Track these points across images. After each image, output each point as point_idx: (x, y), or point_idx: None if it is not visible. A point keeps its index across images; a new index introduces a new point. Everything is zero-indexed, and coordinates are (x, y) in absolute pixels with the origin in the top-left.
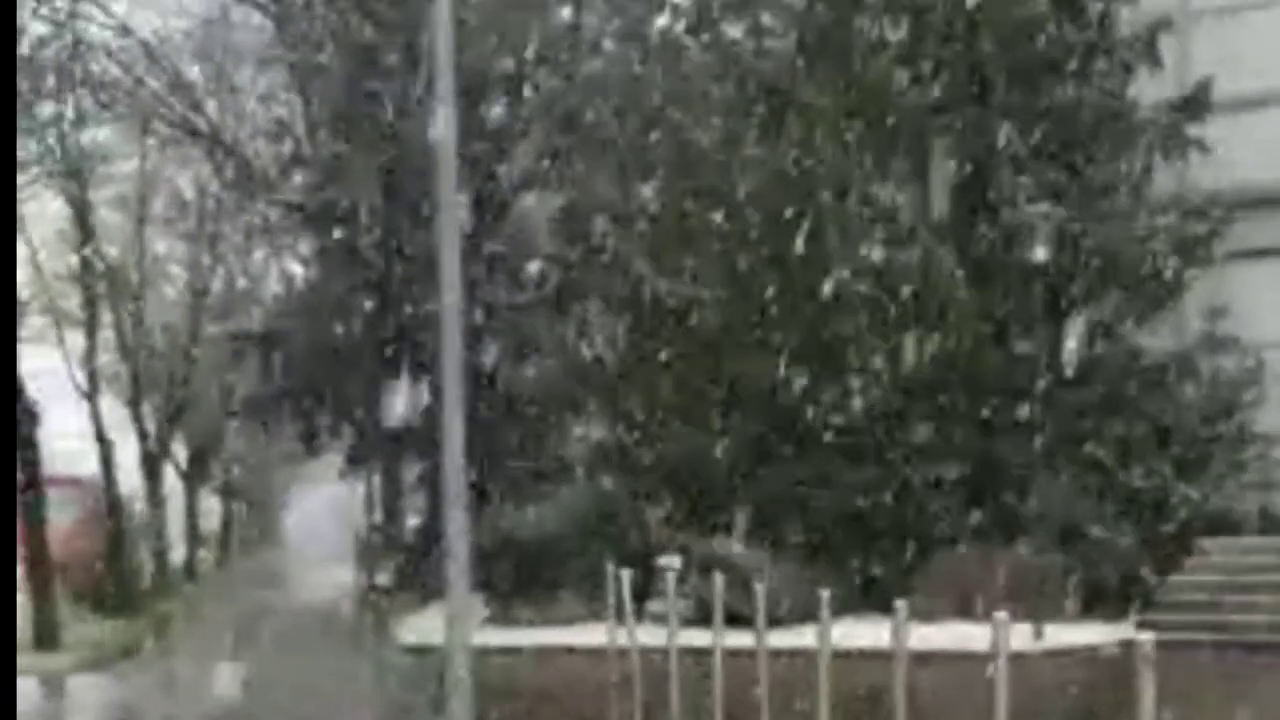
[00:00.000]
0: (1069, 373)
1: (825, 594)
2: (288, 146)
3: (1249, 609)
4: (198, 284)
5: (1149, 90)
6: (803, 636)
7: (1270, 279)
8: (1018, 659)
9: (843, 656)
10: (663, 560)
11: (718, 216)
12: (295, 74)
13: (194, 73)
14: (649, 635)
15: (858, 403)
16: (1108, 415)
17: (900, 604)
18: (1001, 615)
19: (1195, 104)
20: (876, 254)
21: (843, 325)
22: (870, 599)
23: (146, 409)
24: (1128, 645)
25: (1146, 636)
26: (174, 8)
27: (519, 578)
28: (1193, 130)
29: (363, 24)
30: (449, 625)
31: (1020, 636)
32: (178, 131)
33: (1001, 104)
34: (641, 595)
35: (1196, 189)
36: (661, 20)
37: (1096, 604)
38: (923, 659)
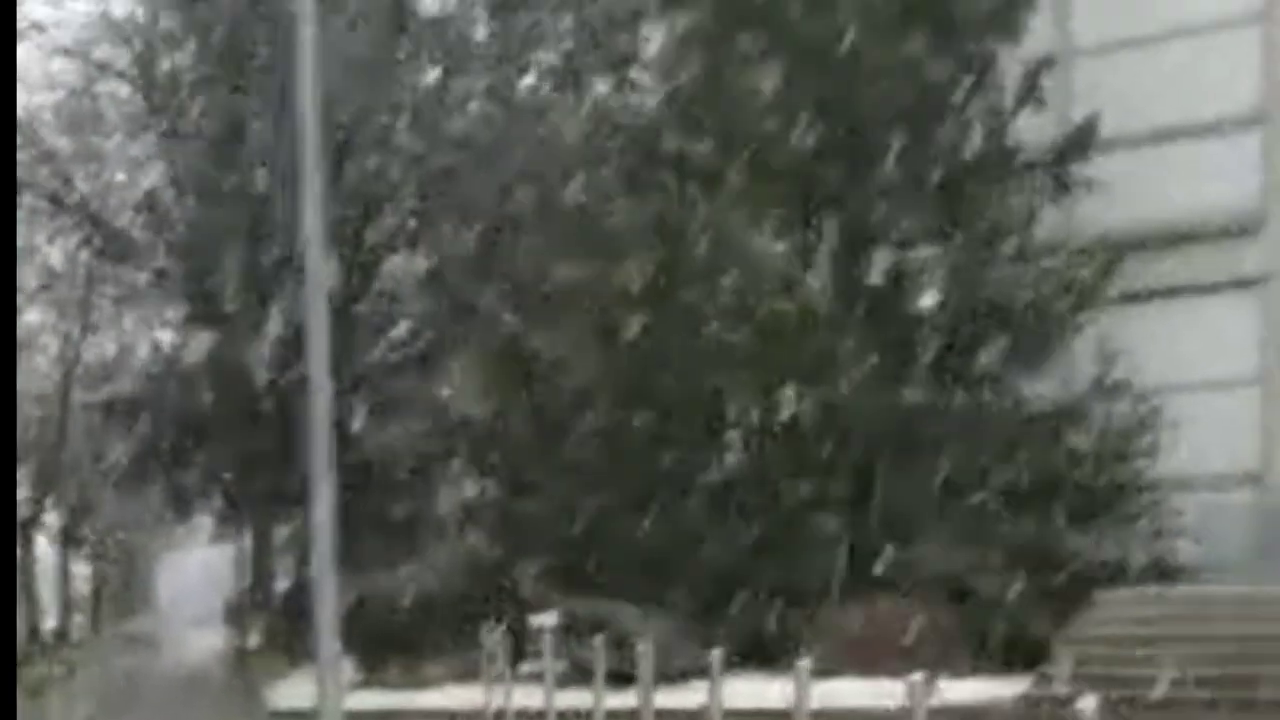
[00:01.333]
0: (957, 421)
1: (716, 652)
2: (156, 215)
3: (1145, 663)
4: (69, 353)
5: (1035, 130)
6: (686, 695)
7: (1162, 320)
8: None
9: (734, 716)
10: (536, 619)
11: (589, 271)
12: (163, 142)
13: (62, 144)
14: (526, 696)
15: (734, 456)
16: (997, 464)
17: (802, 662)
18: (916, 677)
19: (1080, 143)
20: (754, 304)
21: (719, 378)
22: (752, 656)
23: (20, 476)
24: (1024, 700)
25: None
26: (42, 82)
27: (389, 639)
28: (1078, 170)
29: (229, 91)
30: (319, 689)
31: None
32: (47, 202)
33: (882, 148)
34: (516, 655)
35: (1084, 230)
36: (528, 79)
37: (990, 658)
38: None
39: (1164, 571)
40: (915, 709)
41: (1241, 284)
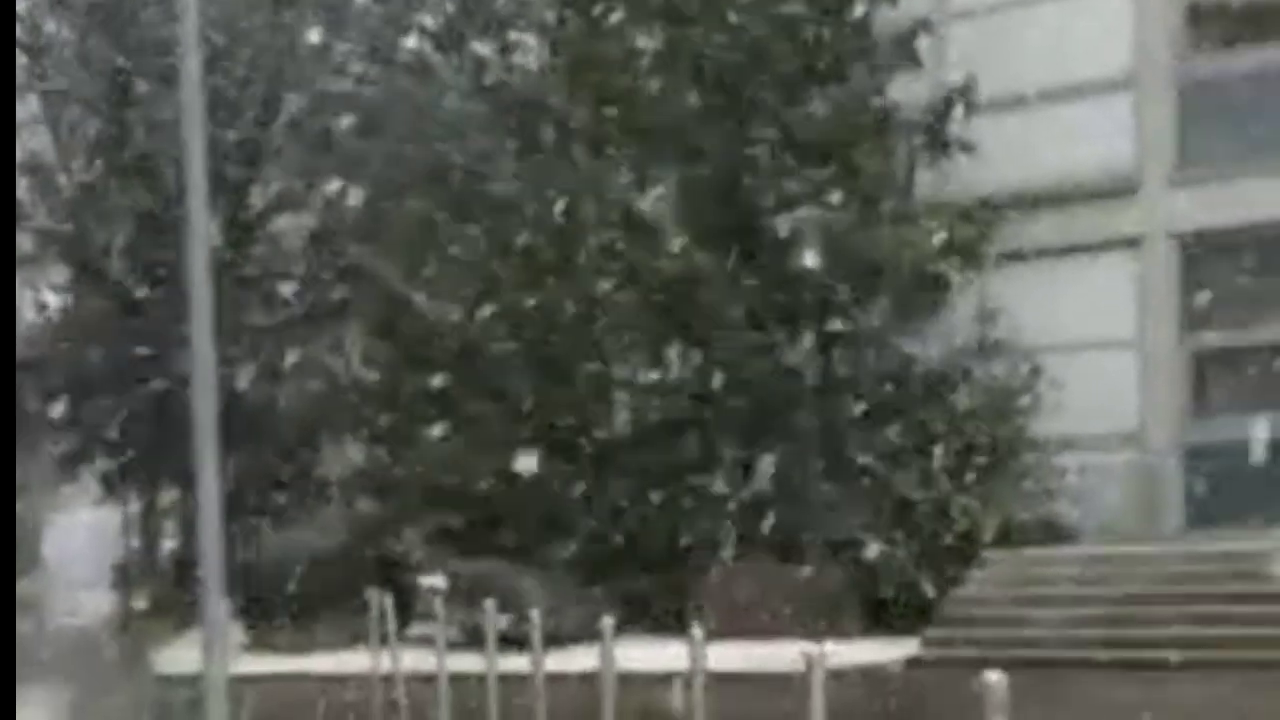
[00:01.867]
0: (841, 381)
1: (608, 618)
2: (40, 176)
3: (1035, 623)
4: None
5: (912, 92)
6: (580, 659)
7: (1041, 281)
8: (801, 679)
9: (626, 680)
10: (425, 581)
11: (474, 231)
12: (47, 103)
13: None
14: (418, 660)
15: (623, 416)
16: (880, 424)
17: (697, 627)
18: (813, 647)
19: (954, 105)
20: (638, 265)
21: (605, 338)
22: (643, 619)
23: None
24: (914, 663)
25: None
26: None
27: (277, 603)
28: (955, 132)
29: (113, 50)
30: (206, 653)
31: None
32: None
33: (763, 109)
34: (405, 618)
35: (963, 192)
36: (410, 41)
37: (879, 620)
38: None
39: (1052, 532)
40: (812, 681)
41: (1117, 245)
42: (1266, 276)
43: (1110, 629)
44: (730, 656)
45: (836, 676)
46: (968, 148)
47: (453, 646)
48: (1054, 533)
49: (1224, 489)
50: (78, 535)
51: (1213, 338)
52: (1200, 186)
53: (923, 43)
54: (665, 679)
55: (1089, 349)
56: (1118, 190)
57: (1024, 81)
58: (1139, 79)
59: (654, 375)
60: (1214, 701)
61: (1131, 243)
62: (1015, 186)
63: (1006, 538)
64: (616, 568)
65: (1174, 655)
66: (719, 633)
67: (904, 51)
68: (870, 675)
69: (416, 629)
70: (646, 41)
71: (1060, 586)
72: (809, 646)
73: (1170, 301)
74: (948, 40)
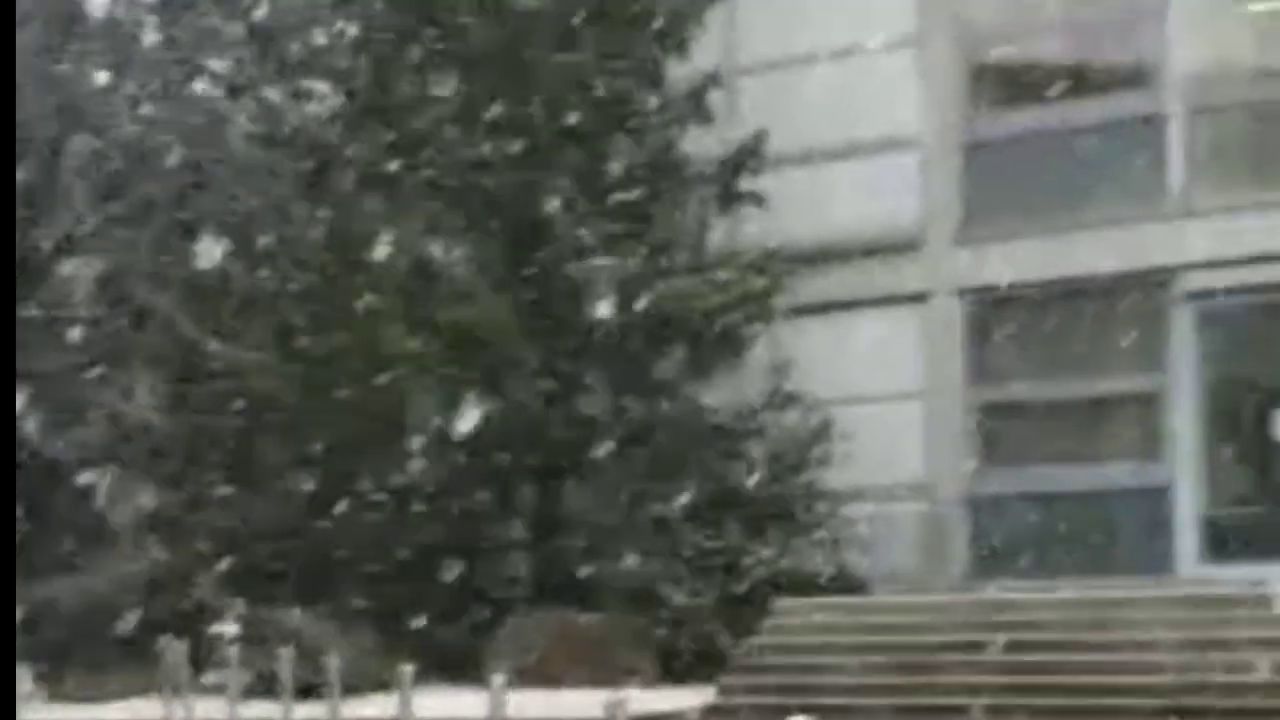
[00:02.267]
0: (636, 432)
1: (407, 666)
2: None
3: (827, 670)
4: None
5: (704, 145)
6: (377, 707)
7: (832, 334)
8: None
9: None
10: (216, 628)
11: (265, 275)
12: None
13: None
14: (211, 709)
15: (417, 464)
16: (674, 475)
17: (497, 675)
18: (614, 695)
19: (746, 159)
20: (433, 312)
21: (399, 385)
22: (442, 667)
23: None
24: (711, 711)
25: None
26: None
27: (66, 650)
28: (746, 185)
29: None
30: None
31: (599, 704)
32: None
33: (557, 158)
34: (198, 666)
35: (758, 245)
36: (200, 85)
37: (676, 668)
38: None
39: (844, 581)
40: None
41: (904, 300)
42: (1047, 333)
43: (902, 676)
44: (530, 704)
45: None
46: (758, 201)
47: (248, 694)
48: (845, 582)
49: (1008, 540)
50: None
51: (996, 392)
52: (983, 245)
53: (714, 97)
54: None
55: (878, 401)
56: (904, 246)
57: (813, 137)
58: (924, 138)
59: (450, 423)
60: None
61: (918, 298)
62: (807, 240)
63: (799, 587)
64: (414, 615)
65: (968, 701)
66: (518, 681)
67: (695, 105)
68: None
69: (212, 677)
70: (441, 89)
71: (851, 635)
72: (609, 695)
73: (955, 356)
74: (739, 95)
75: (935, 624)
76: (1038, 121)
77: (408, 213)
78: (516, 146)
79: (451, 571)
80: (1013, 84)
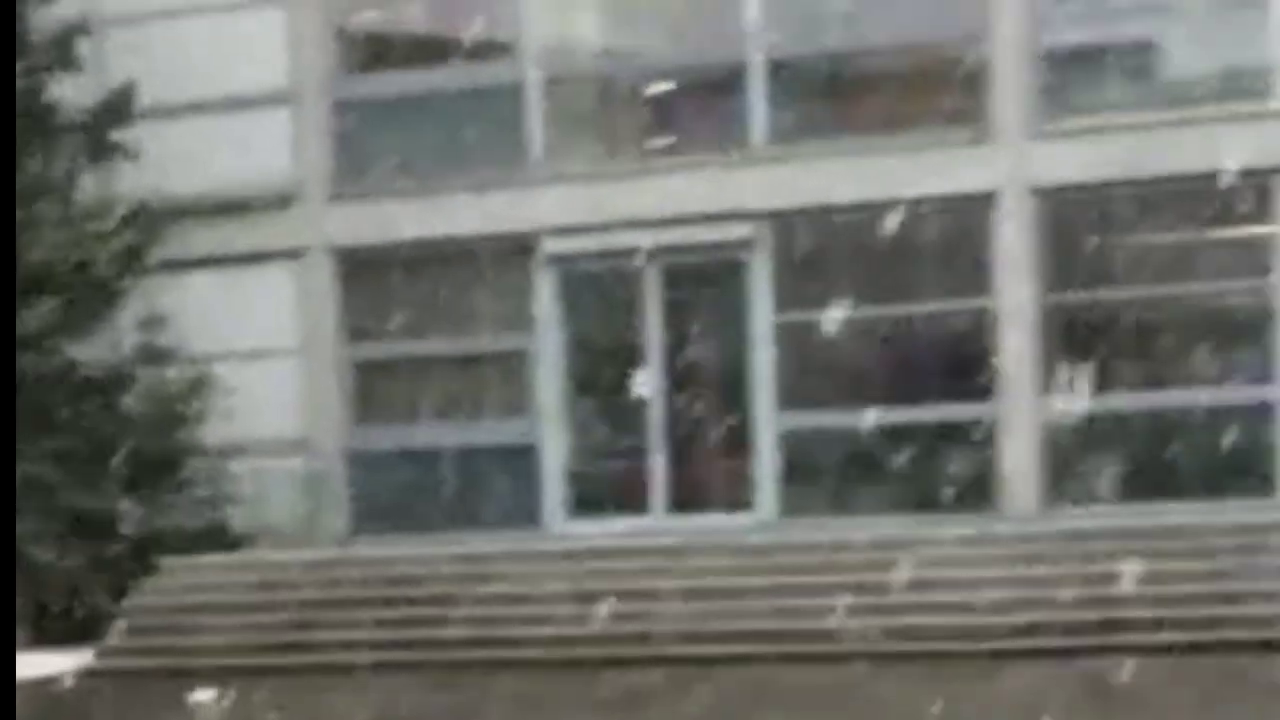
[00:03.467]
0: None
1: None
2: None
3: (213, 631)
4: None
5: (75, 94)
6: None
7: (212, 289)
8: None
9: None
10: None
11: None
12: None
13: None
14: None
15: None
16: (42, 431)
17: None
18: None
19: (115, 110)
20: None
21: None
22: None
23: None
24: (89, 674)
25: None
26: None
27: None
28: (116, 136)
29: None
30: None
31: None
32: None
33: None
34: None
35: (131, 197)
36: None
37: (52, 632)
38: None
39: (226, 538)
40: None
41: (280, 257)
42: (422, 292)
43: (283, 634)
44: None
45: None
46: (131, 154)
47: None
48: (227, 539)
49: (387, 496)
50: None
51: (372, 349)
52: (356, 203)
53: (83, 46)
54: None
55: (257, 358)
56: (278, 203)
57: (188, 91)
58: (296, 96)
59: None
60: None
61: (293, 254)
62: (185, 195)
63: (179, 545)
64: None
65: (351, 659)
66: None
67: (61, 54)
68: (41, 689)
69: None
70: None
71: (232, 594)
72: None
73: (329, 313)
74: (110, 45)
75: (316, 580)
76: (411, 85)
77: None
78: None
79: None
80: (384, 47)
